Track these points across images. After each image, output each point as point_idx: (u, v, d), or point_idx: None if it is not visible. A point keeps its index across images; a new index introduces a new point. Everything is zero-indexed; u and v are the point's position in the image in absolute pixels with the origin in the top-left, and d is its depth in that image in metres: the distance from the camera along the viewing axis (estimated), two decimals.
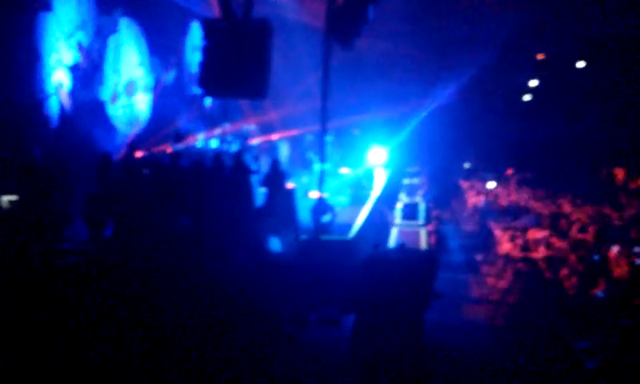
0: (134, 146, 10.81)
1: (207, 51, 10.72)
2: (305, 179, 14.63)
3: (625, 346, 6.45)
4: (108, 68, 13.07)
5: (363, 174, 16.44)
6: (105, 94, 13.01)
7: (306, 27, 15.67)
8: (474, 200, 18.61)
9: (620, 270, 9.09)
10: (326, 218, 10.34)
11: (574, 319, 7.89)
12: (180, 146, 12.84)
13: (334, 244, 10.23)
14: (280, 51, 13.84)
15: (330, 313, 9.05)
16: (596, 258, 9.85)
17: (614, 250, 9.72)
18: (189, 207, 9.47)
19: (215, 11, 12.85)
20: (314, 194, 13.43)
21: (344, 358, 7.99)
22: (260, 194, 10.66)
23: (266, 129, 17.07)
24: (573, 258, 9.91)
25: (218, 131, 14.52)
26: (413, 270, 8.61)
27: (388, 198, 15.80)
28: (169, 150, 12.44)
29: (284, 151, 16.42)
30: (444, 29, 21.93)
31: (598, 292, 8.01)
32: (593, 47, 25.63)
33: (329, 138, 16.91)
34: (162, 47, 15.08)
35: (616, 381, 5.80)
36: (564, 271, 9.74)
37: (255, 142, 15.79)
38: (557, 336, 7.56)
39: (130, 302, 7.36)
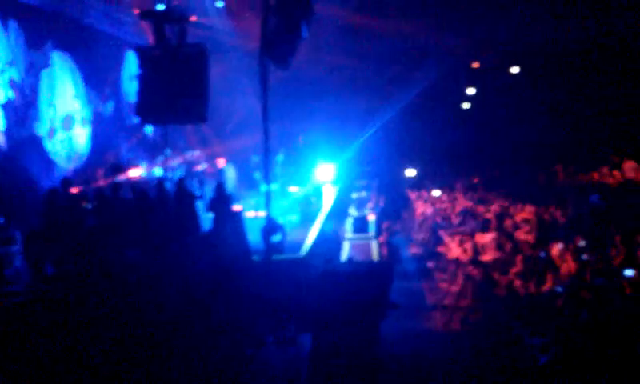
0: (68, 181, 10.47)
1: (143, 79, 10.60)
2: (252, 201, 14.54)
3: (574, 339, 6.60)
4: (43, 103, 12.72)
5: (312, 191, 16.46)
6: (41, 129, 12.64)
7: (243, 49, 15.69)
8: (422, 209, 18.85)
9: (567, 266, 9.33)
10: (277, 238, 10.28)
11: (525, 317, 8.04)
12: (122, 177, 12.56)
13: (286, 263, 10.17)
14: (218, 74, 13.82)
15: (287, 332, 8.95)
16: (542, 255, 10.12)
17: (558, 246, 9.99)
18: (133, 238, 9.25)
19: (150, 39, 12.74)
20: (252, 214, 13.40)
21: (303, 376, 7.92)
22: (207, 218, 10.52)
23: (211, 153, 16.92)
24: (519, 258, 10.13)
25: (160, 159, 14.29)
26: (367, 282, 8.66)
27: (338, 213, 15.86)
28: (110, 181, 12.16)
29: (230, 174, 16.27)
30: (385, 44, 22.34)
31: (557, 287, 8.18)
32: (526, 53, 26.55)
33: (279, 158, 16.92)
34: (98, 78, 14.79)
35: (567, 374, 5.93)
36: (512, 271, 9.95)
37: (200, 167, 15.61)
38: (509, 335, 7.69)
39: (77, 340, 7.10)
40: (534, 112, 26.50)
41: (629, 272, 7.63)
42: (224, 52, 15.43)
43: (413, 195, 21.80)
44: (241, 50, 16.10)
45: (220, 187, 10.61)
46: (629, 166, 20.86)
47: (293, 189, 16.60)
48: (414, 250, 16.45)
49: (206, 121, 11.21)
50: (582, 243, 10.14)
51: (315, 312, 8.59)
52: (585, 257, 9.48)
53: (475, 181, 23.40)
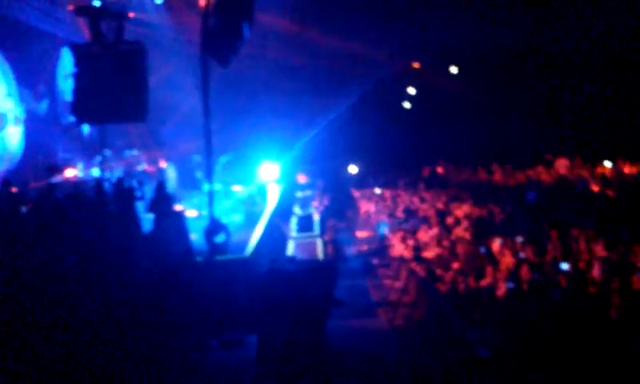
0: (8, 182, 10.03)
1: (79, 77, 10.27)
2: (195, 200, 14.31)
3: (514, 332, 6.77)
4: None
5: (256, 191, 16.34)
6: None
7: (183, 47, 15.41)
8: (366, 207, 19.03)
9: (505, 261, 9.59)
10: (220, 238, 10.13)
11: (466, 312, 8.22)
12: (57, 177, 12.11)
13: (230, 264, 10.04)
14: (158, 72, 13.53)
15: (233, 334, 8.85)
16: (482, 251, 10.37)
17: (497, 242, 10.25)
18: (69, 241, 8.93)
19: (86, 36, 12.34)
20: (192, 213, 13.20)
21: (250, 378, 7.84)
22: (147, 219, 10.27)
23: (152, 152, 16.53)
24: (460, 253, 10.35)
25: (98, 159, 13.85)
26: (312, 281, 8.63)
27: (283, 212, 15.80)
28: (45, 182, 11.70)
29: (171, 174, 15.95)
30: (330, 44, 22.40)
31: (508, 283, 8.34)
32: (465, 54, 27.17)
33: (223, 159, 16.70)
34: (32, 76, 14.19)
35: (508, 367, 6.09)
36: (454, 267, 10.15)
37: (140, 167, 15.23)
38: (452, 330, 7.85)
39: (10, 345, 6.80)
40: (472, 112, 27.20)
41: (564, 266, 7.89)
42: (164, 49, 15.11)
43: (357, 193, 21.99)
44: (181, 48, 15.80)
45: (160, 187, 10.38)
46: (562, 163, 21.68)
47: (237, 188, 16.44)
48: (359, 247, 16.58)
49: (146, 120, 10.95)
50: (519, 239, 10.44)
51: (261, 312, 8.51)
52: (522, 252, 9.76)
53: (416, 178, 23.76)
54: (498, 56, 26.42)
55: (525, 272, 8.58)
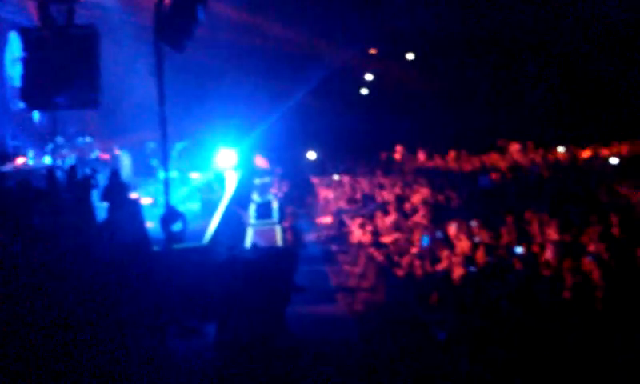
0: None
1: (28, 62, 9.93)
2: (150, 188, 14.06)
3: (471, 316, 6.90)
4: None
5: (214, 178, 16.15)
6: None
7: (139, 30, 15.00)
8: (324, 193, 19.08)
9: (461, 245, 9.75)
10: (177, 227, 9.99)
11: (424, 296, 8.33)
12: (7, 166, 11.71)
13: (187, 252, 9.93)
14: (112, 57, 13.16)
15: (191, 322, 8.77)
16: (439, 236, 10.52)
17: (453, 227, 10.41)
18: (20, 231, 8.65)
19: (35, 19, 11.90)
20: (147, 201, 12.98)
21: (209, 366, 7.79)
22: (101, 208, 10.04)
23: (106, 139, 16.13)
24: (417, 239, 10.47)
25: (50, 147, 13.43)
26: (271, 267, 8.62)
27: (241, 200, 15.67)
28: None
29: (125, 161, 15.61)
30: (288, 30, 22.27)
31: (469, 268, 8.45)
32: (422, 41, 27.41)
33: (180, 145, 16.41)
34: None
35: (465, 349, 6.20)
36: (411, 251, 10.28)
37: (93, 154, 14.86)
38: (409, 314, 7.96)
39: None
40: (428, 98, 27.51)
41: (519, 249, 8.06)
42: (117, 33, 14.69)
43: (316, 180, 22.01)
44: (136, 32, 15.40)
45: (115, 175, 10.16)
46: (515, 148, 22.16)
47: (193, 176, 16.22)
48: (318, 234, 16.61)
49: (99, 106, 10.68)
50: (474, 223, 10.63)
51: (219, 300, 8.46)
52: (477, 236, 9.94)
53: (375, 164, 23.94)
54: (454, 43, 26.75)
55: (480, 256, 8.76)
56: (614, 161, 18.52)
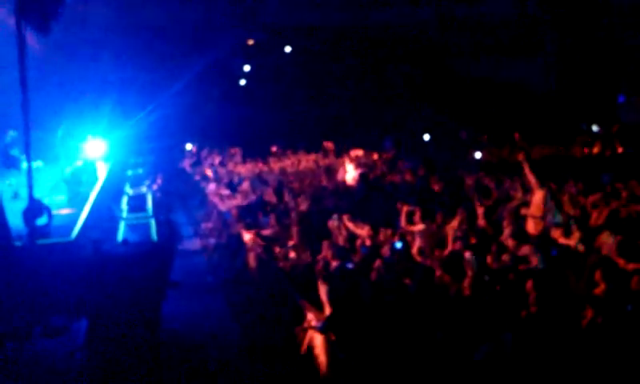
0: None
1: None
2: (12, 180, 13.02)
3: (347, 306, 7.07)
4: None
5: (83, 169, 15.26)
6: None
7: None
8: (202, 184, 18.72)
9: (342, 238, 9.96)
10: (42, 221, 9.34)
11: (304, 287, 8.43)
12: None
13: (53, 248, 9.30)
14: None
15: (58, 321, 8.25)
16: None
17: (334, 218, 10.60)
18: None
19: None
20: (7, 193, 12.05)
21: (78, 366, 7.40)
22: None
23: None
24: (295, 230, 10.56)
25: None
26: (145, 262, 8.32)
27: (112, 192, 14.96)
28: None
29: None
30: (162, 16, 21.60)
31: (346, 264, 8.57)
32: (299, 33, 27.71)
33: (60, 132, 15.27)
34: None
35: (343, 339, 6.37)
36: (290, 243, 10.36)
37: None
38: (290, 305, 8.04)
39: None
40: (307, 90, 27.91)
41: (398, 244, 8.35)
42: None
43: (191, 170, 21.55)
44: None
45: None
46: (390, 142, 23.08)
47: (62, 166, 15.22)
48: (196, 227, 16.31)
49: None
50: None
51: (90, 298, 8.04)
52: (358, 229, 10.19)
53: (255, 153, 23.86)
54: (332, 37, 27.32)
55: (357, 249, 9.01)
56: (478, 155, 19.82)
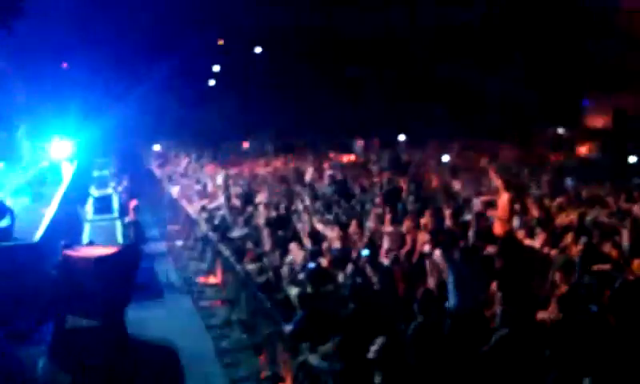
0: None
1: None
2: None
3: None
4: None
5: (48, 169, 14.97)
6: None
7: None
8: (169, 186, 18.49)
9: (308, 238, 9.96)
10: (4, 223, 9.14)
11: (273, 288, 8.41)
12: None
13: (16, 250, 9.11)
14: None
15: (22, 325, 8.08)
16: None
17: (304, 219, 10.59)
18: None
19: None
20: None
21: (43, 371, 7.25)
22: None
23: None
24: (264, 232, 10.49)
25: None
26: (110, 265, 8.17)
27: (78, 193, 14.71)
28: None
29: None
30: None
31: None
32: (270, 34, 27.73)
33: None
34: None
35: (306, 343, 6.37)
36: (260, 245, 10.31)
37: None
38: (258, 308, 8.02)
39: None
40: (277, 91, 27.91)
41: (365, 252, 8.36)
42: None
43: (158, 172, 21.29)
44: None
45: None
46: (359, 144, 23.19)
47: (25, 168, 14.89)
48: (162, 229, 16.14)
49: None
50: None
51: (54, 301, 7.88)
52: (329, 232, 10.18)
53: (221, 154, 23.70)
54: (300, 39, 27.39)
55: (325, 252, 8.99)
56: (445, 158, 20.03)
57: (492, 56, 28.69)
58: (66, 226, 12.28)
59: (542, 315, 6.37)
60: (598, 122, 27.59)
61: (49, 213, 11.51)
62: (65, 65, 20.47)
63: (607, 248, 8.41)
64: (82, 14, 19.47)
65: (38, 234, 10.05)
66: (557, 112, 27.18)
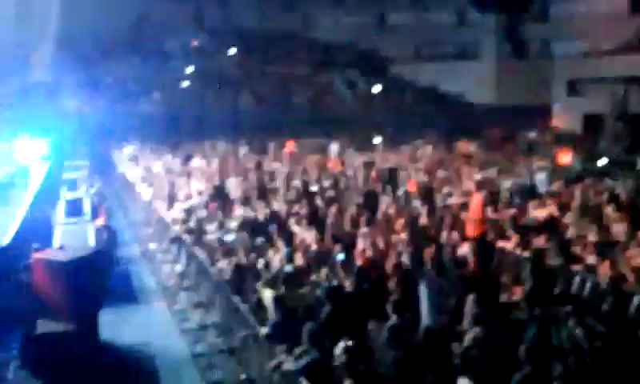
0: None
1: None
2: None
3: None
4: None
5: (16, 171, 14.68)
6: None
7: None
8: (141, 189, 18.27)
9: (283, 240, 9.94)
10: None
11: (249, 290, 8.37)
12: None
13: None
14: None
15: None
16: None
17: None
18: None
19: None
20: None
21: (14, 379, 7.13)
22: None
23: None
24: (240, 235, 10.46)
25: None
26: (82, 269, 8.06)
27: (48, 196, 14.45)
28: None
29: None
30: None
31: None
32: (244, 36, 27.78)
33: None
34: None
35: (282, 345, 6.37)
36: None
37: None
38: (235, 312, 7.96)
39: None
40: (251, 92, 27.92)
41: (340, 256, 8.39)
42: None
43: (132, 175, 21.02)
44: None
45: None
46: (290, 143, 23.32)
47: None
48: (136, 232, 15.95)
49: None
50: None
51: (23, 307, 7.75)
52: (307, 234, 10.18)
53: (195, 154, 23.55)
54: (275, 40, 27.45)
55: (300, 256, 8.99)
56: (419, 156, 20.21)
57: (466, 58, 29.07)
58: (36, 230, 12.06)
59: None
60: (567, 125, 28.26)
61: (19, 216, 11.30)
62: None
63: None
64: (52, 12, 19.18)
65: (8, 238, 9.86)
66: (528, 115, 27.73)
